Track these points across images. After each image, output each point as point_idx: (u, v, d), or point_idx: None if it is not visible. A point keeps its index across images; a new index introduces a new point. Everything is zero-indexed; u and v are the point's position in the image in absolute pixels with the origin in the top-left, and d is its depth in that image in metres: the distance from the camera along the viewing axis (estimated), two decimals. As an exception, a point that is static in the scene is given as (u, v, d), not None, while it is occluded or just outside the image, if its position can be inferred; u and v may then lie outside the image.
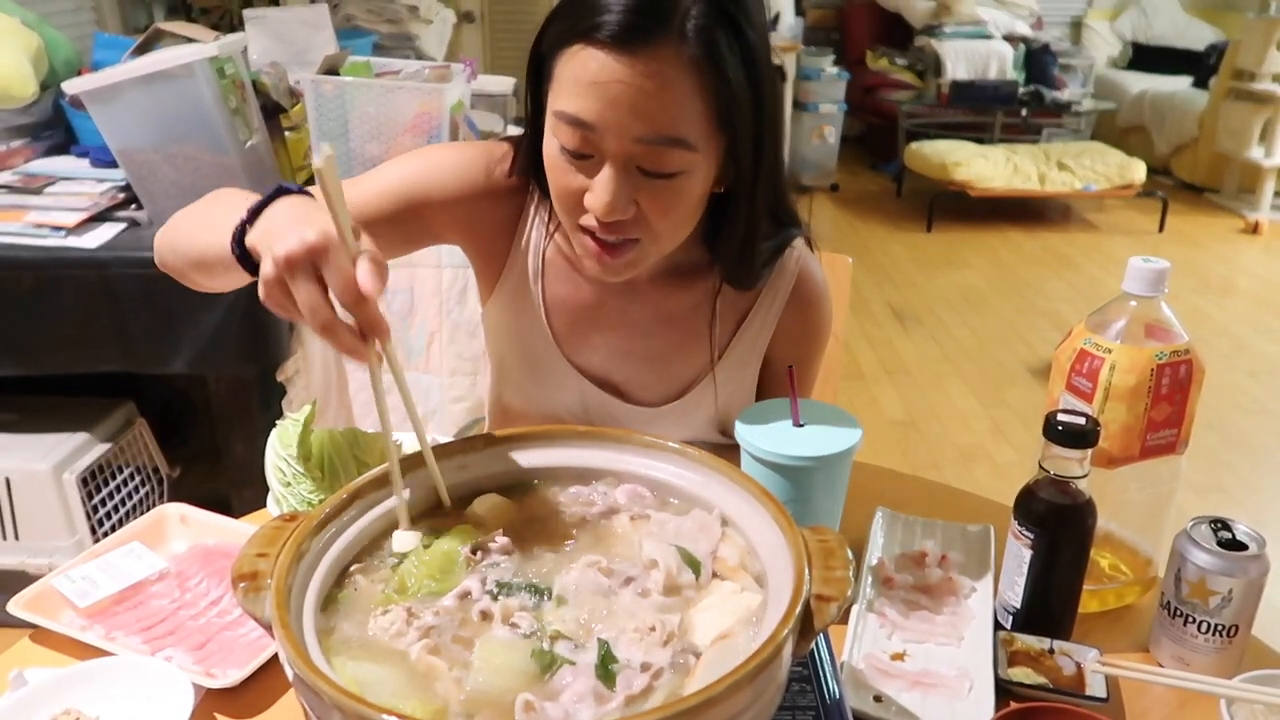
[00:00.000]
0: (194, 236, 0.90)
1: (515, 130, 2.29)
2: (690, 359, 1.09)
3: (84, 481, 1.94)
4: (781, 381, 1.09)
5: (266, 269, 0.66)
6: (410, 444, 1.04)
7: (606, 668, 0.58)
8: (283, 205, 0.76)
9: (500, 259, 1.07)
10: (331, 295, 0.65)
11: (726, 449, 0.89)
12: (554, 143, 0.87)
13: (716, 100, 0.83)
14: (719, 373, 1.09)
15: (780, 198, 1.00)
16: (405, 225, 1.01)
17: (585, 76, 0.81)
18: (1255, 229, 5.13)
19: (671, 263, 1.04)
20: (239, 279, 0.82)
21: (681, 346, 1.08)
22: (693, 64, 0.81)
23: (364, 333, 0.66)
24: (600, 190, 0.85)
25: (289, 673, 0.55)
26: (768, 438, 0.88)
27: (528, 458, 0.78)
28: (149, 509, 1.02)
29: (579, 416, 1.11)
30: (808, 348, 1.13)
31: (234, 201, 0.82)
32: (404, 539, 0.69)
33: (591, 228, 0.89)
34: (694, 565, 0.67)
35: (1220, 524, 0.82)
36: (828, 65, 5.87)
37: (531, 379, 1.11)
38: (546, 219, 1.04)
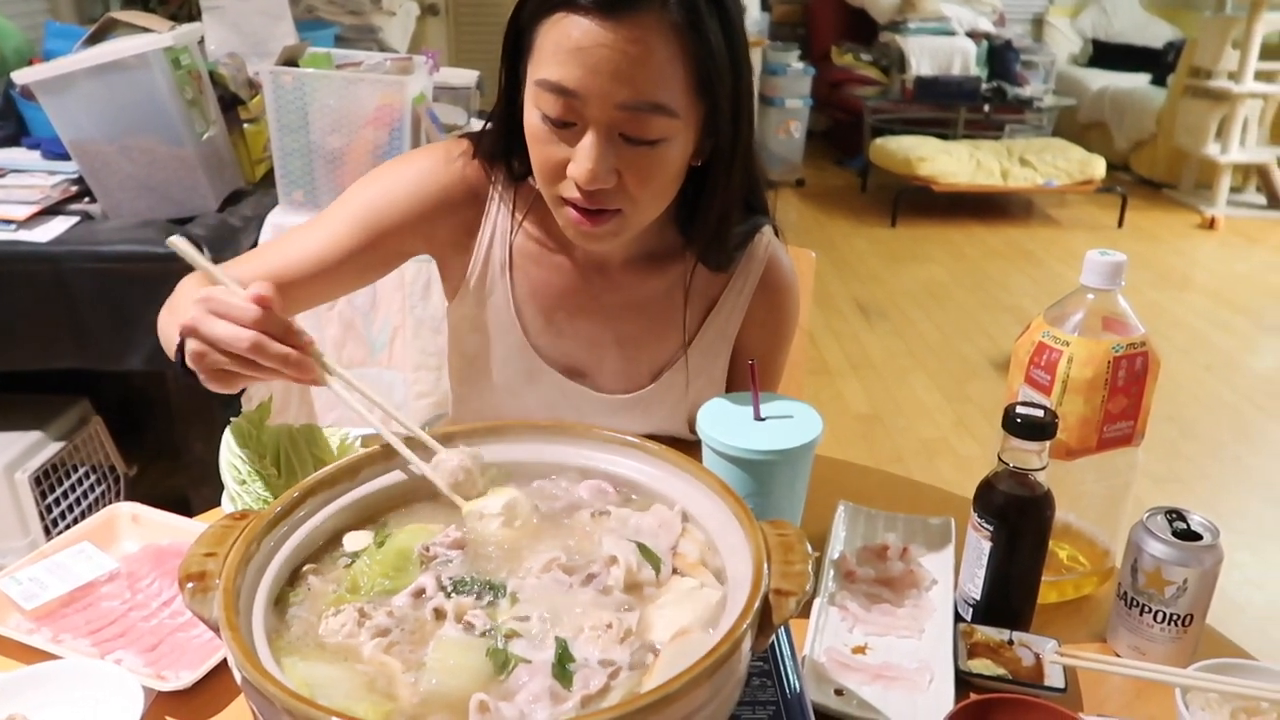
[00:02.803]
0: (165, 340, 0.99)
1: (477, 122, 2.27)
2: (661, 344, 1.09)
3: (37, 481, 1.89)
4: (744, 375, 1.09)
5: (189, 350, 0.76)
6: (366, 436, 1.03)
7: (563, 667, 0.57)
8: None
9: (465, 256, 1.06)
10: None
11: (694, 446, 0.89)
12: (535, 113, 0.87)
13: (697, 67, 0.84)
14: (689, 361, 1.09)
15: (754, 183, 1.02)
16: (375, 252, 1.02)
17: (568, 43, 0.82)
18: (1211, 224, 5.22)
19: (644, 248, 1.05)
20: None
21: (653, 331, 1.08)
22: (675, 30, 0.82)
23: (289, 344, 0.74)
24: (583, 158, 0.85)
25: (237, 676, 0.54)
26: (728, 431, 0.88)
27: (489, 452, 0.77)
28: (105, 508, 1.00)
29: (546, 409, 1.10)
30: (776, 337, 1.14)
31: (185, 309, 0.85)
32: (357, 538, 0.68)
33: (574, 199, 0.89)
34: (654, 561, 0.66)
35: (1175, 514, 0.83)
36: (793, 61, 5.89)
37: (499, 373, 1.10)
38: (513, 208, 1.04)
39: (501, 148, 1.00)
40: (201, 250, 1.77)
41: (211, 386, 0.81)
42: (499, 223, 1.05)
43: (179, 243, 0.76)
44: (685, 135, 0.88)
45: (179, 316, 0.85)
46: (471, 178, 1.04)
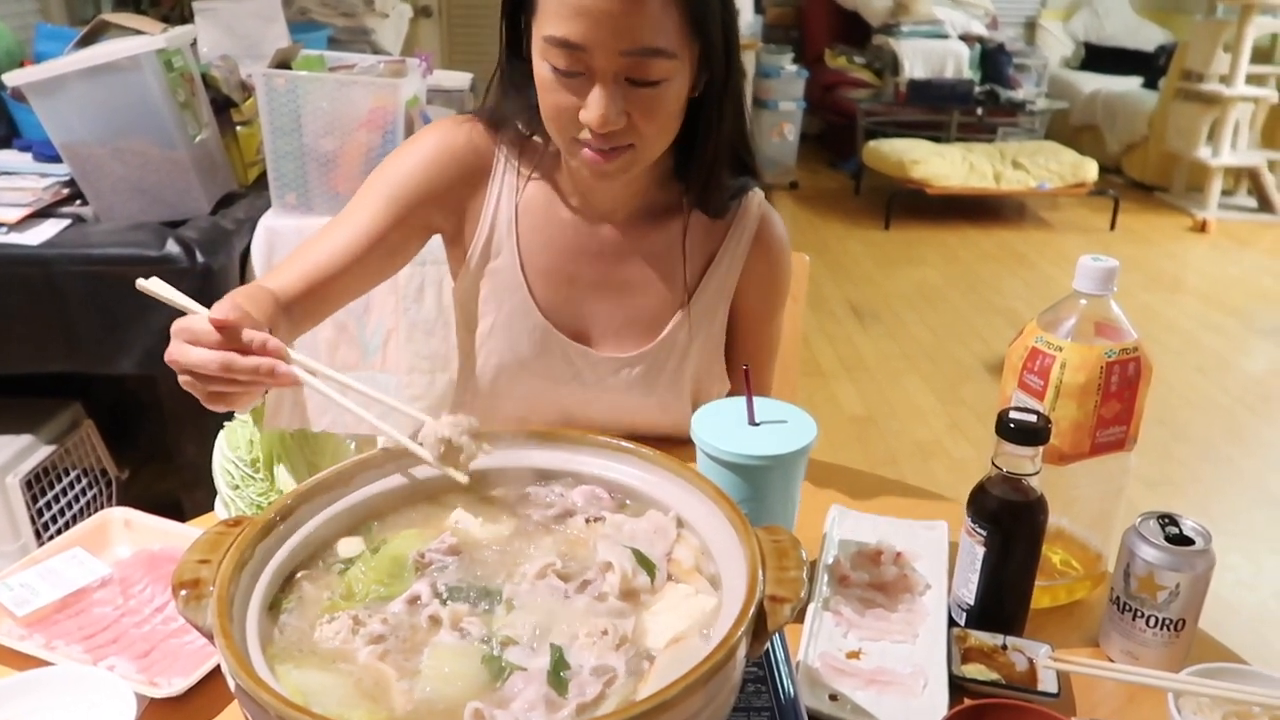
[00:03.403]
0: None
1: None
2: (662, 299, 1.12)
3: (29, 485, 1.88)
4: (750, 339, 1.18)
5: (180, 380, 0.79)
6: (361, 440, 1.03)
7: (558, 674, 0.57)
8: None
9: (474, 223, 1.11)
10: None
11: (688, 445, 0.89)
12: (545, 65, 0.93)
13: (690, 10, 0.91)
14: (688, 317, 1.12)
15: (742, 136, 1.09)
16: (401, 229, 1.07)
17: (571, 2, 0.88)
18: (1203, 227, 5.24)
19: (645, 202, 1.11)
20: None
21: (653, 283, 1.12)
22: None
23: (265, 353, 0.77)
24: (594, 105, 0.92)
25: (231, 683, 0.54)
26: (722, 436, 0.88)
27: (485, 458, 0.77)
28: (97, 512, 0.99)
29: (550, 380, 1.13)
30: (771, 296, 1.18)
31: None
32: (350, 544, 0.68)
33: (587, 140, 0.96)
34: (649, 568, 0.66)
35: (1168, 519, 0.83)
36: (787, 63, 5.89)
37: (504, 340, 1.12)
38: (518, 166, 1.10)
39: (506, 106, 1.06)
40: (194, 255, 1.77)
41: (214, 407, 0.83)
42: (505, 183, 1.10)
43: (149, 285, 0.80)
44: (683, 72, 0.95)
45: None
46: (478, 142, 1.09)
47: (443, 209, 1.10)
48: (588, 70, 0.91)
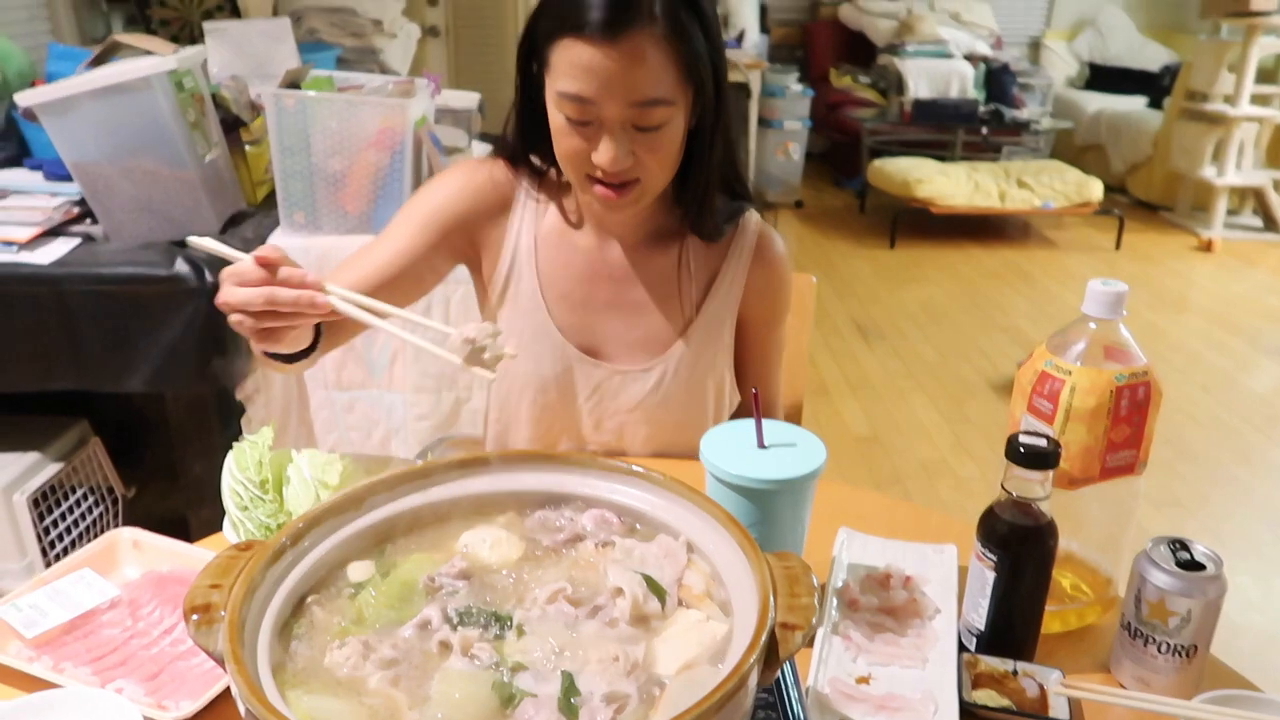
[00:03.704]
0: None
1: (479, 145, 2.28)
2: (670, 315, 1.21)
3: (35, 503, 1.89)
4: (757, 348, 1.26)
5: (230, 322, 0.89)
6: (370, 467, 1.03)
7: (569, 700, 0.57)
8: None
9: (497, 252, 1.21)
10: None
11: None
12: (559, 116, 1.04)
13: (683, 61, 1.01)
14: (695, 331, 1.20)
15: (734, 164, 1.18)
16: (438, 252, 1.18)
17: (579, 64, 0.98)
18: (1208, 246, 5.24)
19: (649, 227, 1.20)
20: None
21: (662, 301, 1.21)
22: (664, 39, 0.99)
23: (304, 286, 0.86)
24: (605, 150, 1.03)
25: (241, 708, 0.54)
26: (732, 460, 0.88)
27: (495, 481, 0.77)
28: (103, 530, 0.99)
29: (568, 389, 1.20)
30: (774, 305, 1.25)
31: None
32: (360, 568, 0.68)
33: (599, 178, 1.07)
34: (659, 593, 0.66)
35: (1179, 544, 0.83)
36: (792, 83, 5.92)
37: (527, 356, 1.20)
38: (536, 199, 1.20)
39: (523, 146, 1.17)
40: (203, 274, 1.78)
41: (264, 347, 0.94)
42: (525, 216, 1.20)
43: (200, 242, 0.89)
44: (681, 114, 1.05)
45: None
46: (499, 178, 1.20)
47: (467, 236, 1.20)
48: (597, 119, 1.02)
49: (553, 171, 1.18)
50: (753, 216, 1.23)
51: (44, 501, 1.91)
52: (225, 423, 2.02)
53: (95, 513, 2.05)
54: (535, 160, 1.18)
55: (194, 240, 0.89)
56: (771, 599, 0.59)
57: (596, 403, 1.20)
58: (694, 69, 1.02)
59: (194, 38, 2.92)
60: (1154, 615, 0.81)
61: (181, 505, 2.00)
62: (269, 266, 0.86)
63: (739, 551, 0.65)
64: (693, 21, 1.01)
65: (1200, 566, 0.81)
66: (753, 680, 0.55)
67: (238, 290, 0.86)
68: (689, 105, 1.06)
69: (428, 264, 1.18)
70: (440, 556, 0.70)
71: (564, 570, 0.70)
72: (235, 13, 3.09)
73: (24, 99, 1.76)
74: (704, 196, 1.15)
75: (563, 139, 1.05)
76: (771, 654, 0.57)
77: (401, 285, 1.16)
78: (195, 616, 0.58)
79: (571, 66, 0.99)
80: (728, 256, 1.21)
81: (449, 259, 1.21)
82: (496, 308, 1.22)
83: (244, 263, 0.87)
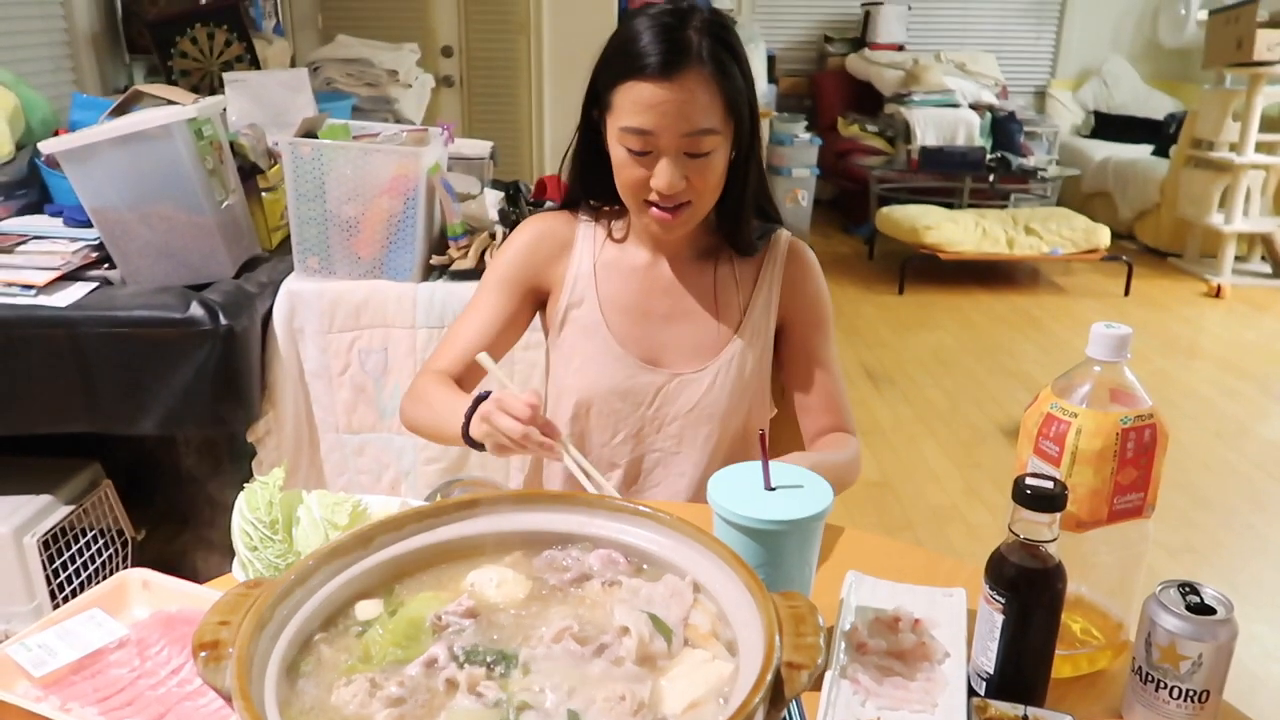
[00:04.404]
0: (433, 425, 1.27)
1: (491, 191, 2.31)
2: (720, 321, 1.34)
3: (45, 545, 1.89)
4: (804, 354, 1.37)
5: (478, 431, 1.12)
6: (379, 508, 1.03)
7: (575, 739, 0.57)
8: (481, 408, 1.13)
9: (560, 286, 1.35)
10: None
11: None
12: (621, 149, 1.20)
13: (726, 97, 1.18)
14: (744, 333, 1.34)
15: (765, 191, 1.33)
16: (521, 304, 1.35)
17: (642, 101, 1.15)
18: (1218, 293, 5.24)
19: (694, 247, 1.35)
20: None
21: (711, 309, 1.34)
22: (710, 77, 1.16)
23: (547, 433, 1.07)
24: (662, 175, 1.18)
25: (249, 746, 0.54)
26: (739, 501, 0.88)
27: (501, 522, 0.77)
28: (112, 573, 1.00)
29: (630, 397, 1.33)
30: (813, 305, 1.38)
31: (451, 403, 1.21)
32: (368, 606, 0.68)
33: (655, 202, 1.22)
34: (665, 633, 0.66)
35: (1188, 588, 0.82)
36: (800, 131, 5.99)
37: (590, 370, 1.33)
38: (593, 234, 1.35)
39: (582, 189, 1.34)
40: (217, 317, 1.80)
41: (494, 454, 1.11)
42: (584, 249, 1.35)
43: (483, 359, 1.15)
44: (725, 144, 1.21)
45: (436, 409, 1.24)
46: (557, 226, 1.37)
47: (536, 284, 1.36)
48: (655, 150, 1.17)
49: (606, 207, 1.35)
50: (783, 233, 1.38)
51: (54, 544, 1.92)
52: (236, 466, 2.03)
53: (105, 555, 2.05)
54: (592, 203, 1.35)
55: (482, 359, 1.14)
56: (777, 638, 0.59)
57: (659, 407, 1.33)
58: (735, 103, 1.19)
59: (214, 88, 2.99)
60: (1165, 659, 0.80)
61: (191, 548, 2.00)
62: (534, 411, 1.05)
63: (745, 591, 0.66)
64: (731, 64, 1.17)
65: (1210, 610, 0.80)
66: (759, 719, 0.55)
67: (503, 418, 1.06)
68: (730, 137, 1.21)
69: (511, 322, 1.35)
70: (447, 595, 0.71)
71: (570, 609, 0.70)
72: (255, 64, 3.16)
73: (47, 146, 1.80)
74: (741, 217, 1.30)
75: (624, 170, 1.21)
76: (777, 693, 0.57)
77: (500, 340, 1.34)
78: (204, 653, 0.59)
79: (634, 104, 1.15)
80: (763, 267, 1.36)
81: (528, 311, 1.38)
82: (559, 333, 1.35)
83: (517, 402, 1.05)
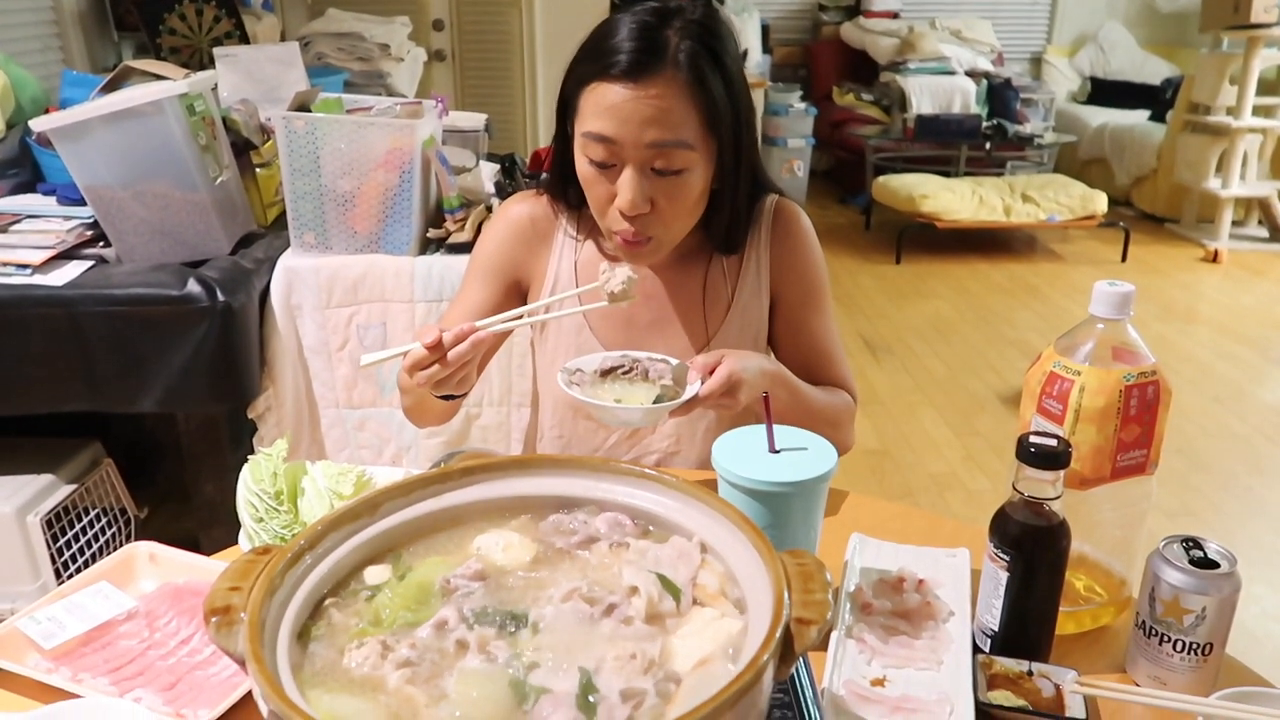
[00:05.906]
0: (417, 404, 1.27)
1: (486, 164, 2.30)
2: (705, 319, 1.27)
3: (49, 524, 1.90)
4: (803, 323, 1.30)
5: (416, 381, 1.04)
6: (383, 478, 1.04)
7: (586, 697, 0.57)
8: None
9: (540, 280, 1.29)
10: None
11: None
12: (584, 160, 1.11)
13: (705, 110, 1.07)
14: (730, 328, 1.27)
15: (758, 177, 1.22)
16: (505, 291, 1.29)
17: (605, 103, 1.05)
18: (1215, 257, 5.24)
19: (683, 249, 1.25)
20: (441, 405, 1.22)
21: (695, 309, 1.28)
22: (686, 85, 1.05)
23: (463, 337, 1.02)
24: (624, 189, 1.08)
25: (263, 708, 0.54)
26: (743, 464, 0.88)
27: (507, 487, 0.77)
28: (115, 551, 1.00)
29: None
30: (805, 269, 1.29)
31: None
32: (377, 571, 0.68)
33: (621, 231, 1.13)
34: (674, 592, 0.67)
35: (1192, 543, 0.83)
36: (795, 101, 5.97)
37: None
38: (576, 231, 1.28)
39: (560, 186, 1.24)
40: (214, 294, 1.80)
41: (439, 392, 1.07)
42: (564, 245, 1.28)
43: (370, 357, 1.04)
44: (703, 166, 1.11)
45: (414, 393, 1.18)
46: (538, 213, 1.29)
47: (517, 274, 1.30)
48: (619, 161, 1.08)
49: (588, 208, 1.23)
50: (769, 198, 1.28)
51: (57, 523, 1.92)
52: (237, 442, 2.03)
53: (108, 534, 2.06)
54: (572, 196, 1.24)
55: (366, 359, 1.03)
56: (786, 594, 0.59)
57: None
58: (713, 119, 1.08)
59: (203, 65, 2.96)
60: (1169, 613, 0.81)
61: (193, 526, 2.01)
62: (435, 348, 1.00)
63: (752, 550, 0.66)
64: (714, 73, 1.06)
65: (1214, 564, 0.81)
66: (768, 675, 0.55)
67: (420, 374, 1.02)
68: (711, 160, 1.11)
69: (496, 310, 1.25)
70: (455, 559, 0.71)
71: (578, 571, 0.70)
72: (244, 40, 3.13)
73: (38, 125, 1.79)
74: (730, 227, 1.22)
75: (589, 187, 1.13)
76: (787, 649, 0.57)
77: (486, 339, 1.27)
78: (215, 618, 0.59)
79: (597, 106, 1.06)
80: (748, 244, 1.27)
81: (513, 301, 1.30)
82: (541, 333, 1.31)
83: (416, 351, 1.01)
